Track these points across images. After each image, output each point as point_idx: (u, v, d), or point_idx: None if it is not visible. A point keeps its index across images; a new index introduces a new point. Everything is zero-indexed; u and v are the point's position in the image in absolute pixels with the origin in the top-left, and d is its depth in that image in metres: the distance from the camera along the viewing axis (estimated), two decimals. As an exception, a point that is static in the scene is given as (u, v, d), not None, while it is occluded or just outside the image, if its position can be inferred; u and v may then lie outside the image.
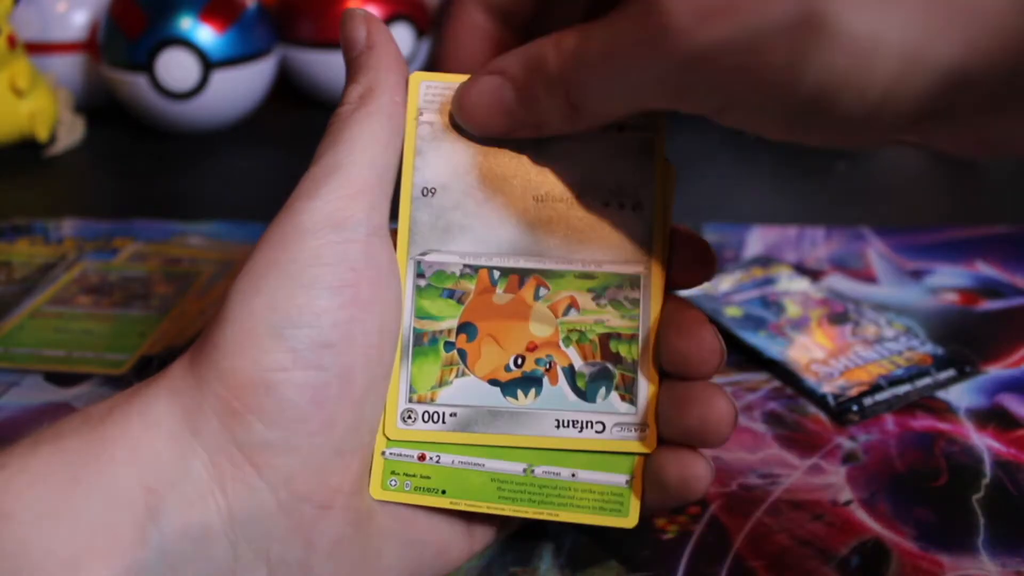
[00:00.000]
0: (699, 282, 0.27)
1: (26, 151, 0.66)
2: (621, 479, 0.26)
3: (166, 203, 0.57)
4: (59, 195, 0.60)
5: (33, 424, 0.36)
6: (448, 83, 0.26)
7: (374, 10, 0.71)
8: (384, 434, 0.26)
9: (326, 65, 0.72)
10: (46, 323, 0.43)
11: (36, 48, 0.67)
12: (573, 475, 0.26)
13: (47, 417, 0.37)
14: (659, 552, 0.31)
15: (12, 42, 0.61)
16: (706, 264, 0.27)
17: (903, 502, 0.33)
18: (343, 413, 0.23)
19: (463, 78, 0.26)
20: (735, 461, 0.35)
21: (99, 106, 0.72)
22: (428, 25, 0.75)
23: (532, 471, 0.26)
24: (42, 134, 0.64)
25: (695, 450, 0.25)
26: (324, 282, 0.23)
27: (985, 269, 0.50)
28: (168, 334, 0.43)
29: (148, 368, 0.40)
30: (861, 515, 0.32)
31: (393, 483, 0.25)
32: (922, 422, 0.37)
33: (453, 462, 0.26)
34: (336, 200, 0.24)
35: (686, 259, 0.26)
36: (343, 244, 0.23)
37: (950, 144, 0.20)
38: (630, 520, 0.26)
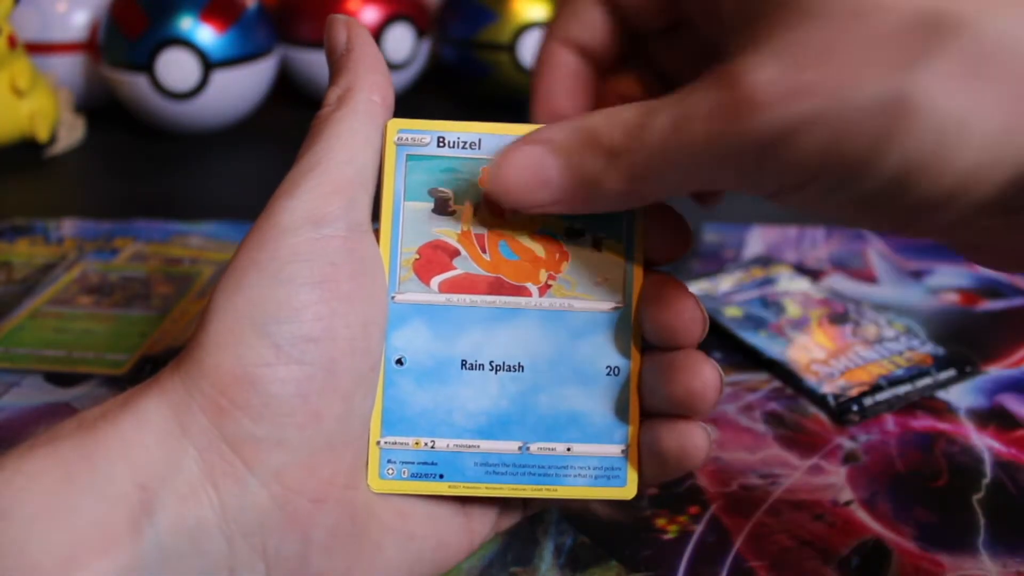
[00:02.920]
0: (677, 256, 0.26)
1: (26, 151, 0.66)
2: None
3: (166, 203, 0.57)
4: (59, 195, 0.60)
5: (33, 424, 0.36)
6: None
7: (374, 10, 0.71)
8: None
9: (326, 65, 0.72)
10: (46, 323, 0.43)
11: (36, 48, 0.67)
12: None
13: (47, 417, 0.37)
14: (659, 552, 0.31)
15: (12, 42, 0.61)
16: (681, 235, 0.26)
17: (903, 502, 0.33)
18: (330, 406, 0.24)
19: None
20: (735, 461, 0.35)
21: (99, 106, 0.72)
22: (428, 25, 0.75)
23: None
24: (42, 134, 0.64)
25: (691, 419, 0.25)
26: (303, 278, 0.23)
27: (985, 269, 0.50)
28: (168, 334, 0.43)
29: (148, 368, 0.40)
30: (861, 515, 0.32)
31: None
32: (922, 422, 0.37)
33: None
34: (314, 198, 0.24)
35: (662, 234, 0.26)
36: (322, 240, 0.24)
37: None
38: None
